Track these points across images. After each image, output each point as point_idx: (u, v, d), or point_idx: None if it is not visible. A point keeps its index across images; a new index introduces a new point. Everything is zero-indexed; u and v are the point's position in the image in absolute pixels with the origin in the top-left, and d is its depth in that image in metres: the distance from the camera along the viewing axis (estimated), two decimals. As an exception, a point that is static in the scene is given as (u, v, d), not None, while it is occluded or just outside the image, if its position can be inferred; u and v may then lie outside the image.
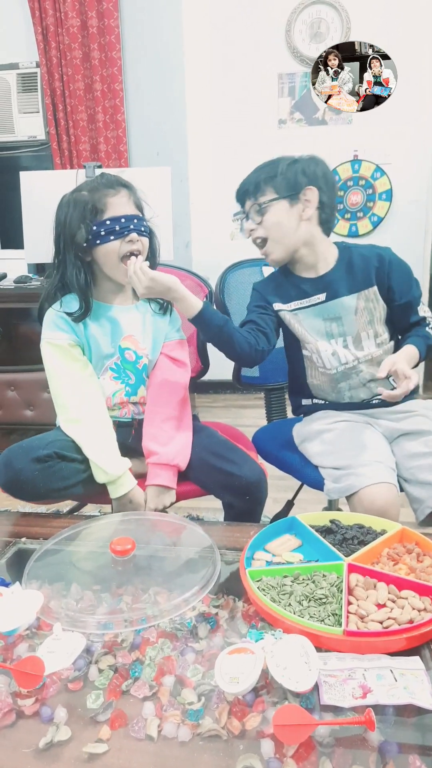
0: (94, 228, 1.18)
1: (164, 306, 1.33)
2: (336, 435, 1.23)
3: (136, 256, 1.19)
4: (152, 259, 1.28)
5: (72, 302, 1.24)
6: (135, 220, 1.20)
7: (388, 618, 0.74)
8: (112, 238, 1.18)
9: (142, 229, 1.21)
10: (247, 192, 1.26)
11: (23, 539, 1.03)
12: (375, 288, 1.26)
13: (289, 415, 1.64)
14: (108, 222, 1.18)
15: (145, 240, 1.23)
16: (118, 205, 1.19)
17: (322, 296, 1.27)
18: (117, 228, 1.18)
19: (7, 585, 0.86)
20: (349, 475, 1.11)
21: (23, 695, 0.67)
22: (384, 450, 1.19)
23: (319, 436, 1.26)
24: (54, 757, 0.60)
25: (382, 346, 1.28)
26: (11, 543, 1.02)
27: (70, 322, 1.22)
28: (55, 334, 1.23)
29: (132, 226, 1.19)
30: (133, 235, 1.19)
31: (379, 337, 1.28)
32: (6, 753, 0.61)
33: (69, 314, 1.22)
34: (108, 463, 1.16)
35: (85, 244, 1.19)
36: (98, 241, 1.18)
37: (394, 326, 1.31)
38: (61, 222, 1.22)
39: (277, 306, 1.31)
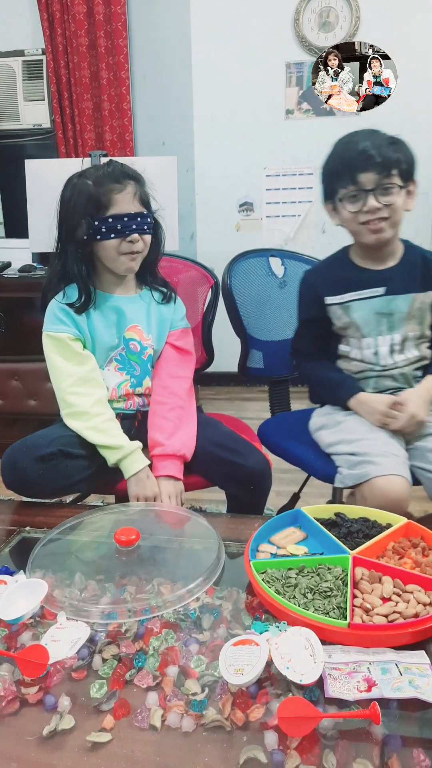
0: (96, 224, 1.15)
1: (167, 295, 1.32)
2: (354, 424, 1.22)
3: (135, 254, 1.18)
4: (156, 249, 1.27)
5: (74, 293, 1.23)
6: (138, 219, 1.17)
7: (393, 612, 0.73)
8: (112, 236, 1.16)
9: (145, 227, 1.19)
10: (374, 166, 1.14)
11: (27, 528, 1.03)
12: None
13: (293, 407, 1.64)
14: (110, 220, 1.15)
15: (147, 238, 1.21)
16: (122, 202, 1.16)
17: (381, 290, 1.25)
18: (119, 227, 1.16)
19: (11, 574, 0.86)
20: (365, 463, 1.11)
21: (27, 683, 0.67)
22: (401, 444, 1.19)
23: (338, 424, 1.25)
24: (57, 746, 0.60)
25: (421, 348, 1.28)
26: (16, 532, 1.02)
27: (72, 314, 1.21)
28: (56, 327, 1.21)
29: (134, 226, 1.17)
30: (134, 235, 1.17)
31: (422, 345, 1.28)
32: (10, 741, 0.61)
33: (70, 305, 1.21)
34: (117, 440, 1.15)
35: (85, 238, 1.17)
36: (98, 237, 1.16)
37: None
38: (64, 207, 1.20)
39: (328, 300, 1.28)
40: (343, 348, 1.31)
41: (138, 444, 1.17)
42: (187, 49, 2.98)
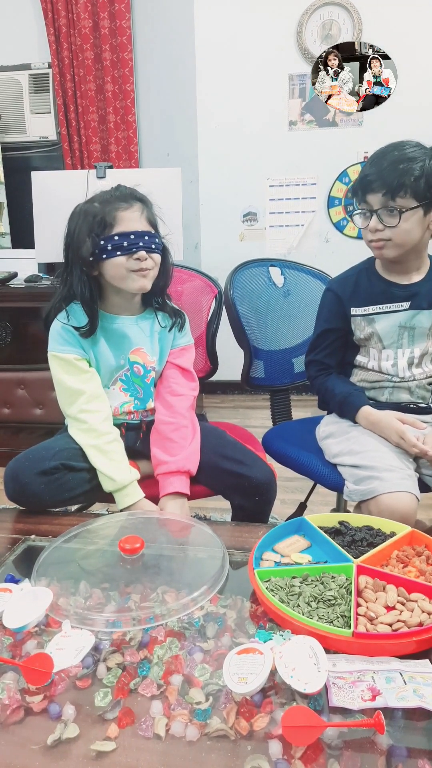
0: (102, 242, 1.14)
1: (177, 323, 1.30)
2: (362, 435, 1.22)
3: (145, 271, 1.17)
4: (165, 275, 1.26)
5: (78, 314, 1.22)
6: (146, 237, 1.15)
7: (398, 620, 0.73)
8: (118, 253, 1.14)
9: (153, 246, 1.17)
10: (379, 187, 1.12)
11: (32, 536, 1.04)
12: None
13: (295, 416, 1.64)
14: (116, 237, 1.14)
15: (156, 256, 1.19)
16: (129, 220, 1.15)
17: (406, 304, 1.24)
18: (125, 244, 1.14)
19: (16, 582, 0.86)
20: (372, 478, 1.10)
21: (32, 692, 0.67)
22: (408, 457, 1.18)
23: (346, 434, 1.25)
24: (62, 755, 0.60)
25: None
26: (21, 540, 1.03)
27: (77, 335, 1.21)
28: (62, 348, 1.21)
29: (141, 243, 1.14)
30: (142, 253, 1.15)
31: None
32: (14, 749, 0.61)
33: (76, 328, 1.20)
34: (115, 472, 1.15)
35: (91, 258, 1.16)
36: (104, 256, 1.15)
37: None
38: (70, 233, 1.19)
39: (354, 311, 1.28)
40: (360, 359, 1.31)
41: (134, 476, 1.16)
42: (191, 62, 3.02)
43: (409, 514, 1.05)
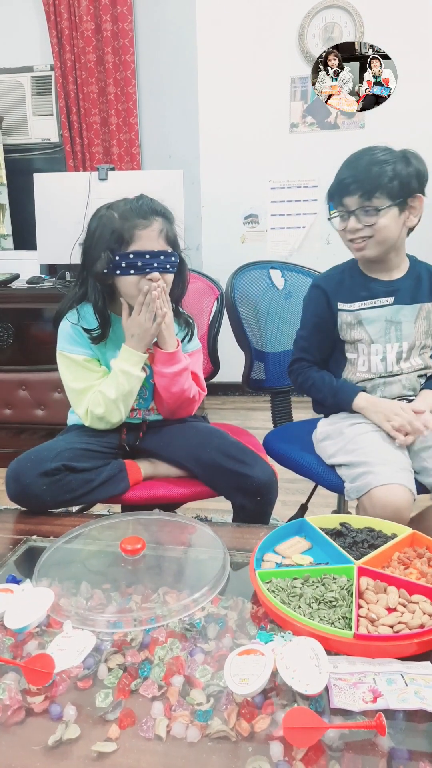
0: (116, 259, 1.14)
1: (186, 334, 1.32)
2: (357, 434, 1.22)
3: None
4: (181, 287, 1.27)
5: (88, 317, 1.23)
6: (161, 257, 1.15)
7: (399, 622, 0.73)
8: (132, 272, 1.14)
9: (168, 266, 1.17)
10: (356, 189, 1.18)
11: (34, 537, 1.04)
12: None
13: (295, 418, 1.64)
14: (131, 256, 1.14)
15: (169, 277, 1.20)
16: (146, 239, 1.15)
17: (390, 299, 1.29)
18: (139, 263, 1.14)
19: (18, 582, 0.86)
20: (366, 473, 1.11)
21: (33, 692, 0.67)
22: (403, 452, 1.19)
23: (341, 434, 1.26)
24: (63, 755, 0.60)
25: (424, 357, 1.31)
26: (22, 541, 1.03)
27: (87, 336, 1.22)
28: (72, 348, 1.22)
29: (156, 264, 1.15)
30: (155, 274, 1.15)
31: (425, 354, 1.31)
32: (15, 750, 0.61)
33: (86, 331, 1.21)
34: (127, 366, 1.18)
35: (105, 272, 1.16)
36: (118, 272, 1.15)
37: None
38: (89, 238, 1.19)
39: (340, 306, 1.31)
40: (350, 355, 1.32)
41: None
42: (193, 64, 3.03)
43: (402, 508, 1.05)
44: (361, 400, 1.26)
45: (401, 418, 1.19)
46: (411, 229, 1.28)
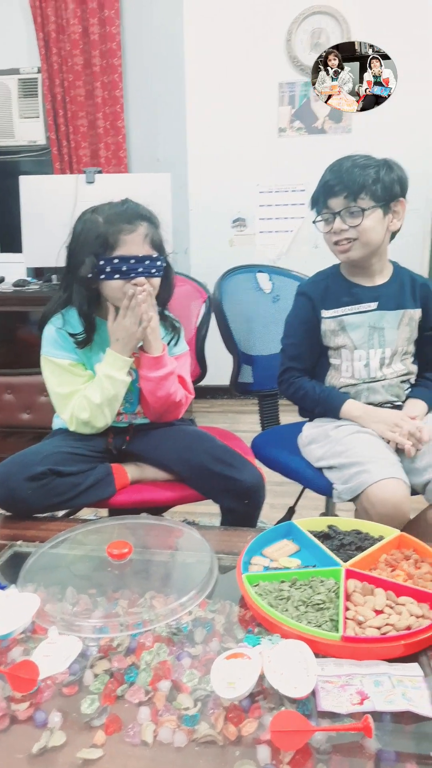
0: (101, 263, 1.13)
1: (172, 338, 1.31)
2: (343, 435, 1.23)
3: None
4: (167, 291, 1.27)
5: (73, 321, 1.22)
6: (147, 261, 1.15)
7: (386, 624, 0.73)
8: (116, 277, 1.14)
9: (153, 270, 1.16)
10: (341, 191, 1.20)
11: (19, 542, 1.03)
12: (420, 311, 1.31)
13: (282, 421, 1.64)
14: (116, 261, 1.13)
15: (156, 281, 1.19)
16: (131, 244, 1.14)
17: (373, 305, 1.29)
18: (124, 268, 1.13)
19: (2, 588, 0.85)
20: (359, 473, 1.11)
21: (17, 699, 0.66)
22: (391, 450, 1.19)
23: (327, 437, 1.26)
24: (48, 763, 0.59)
25: (406, 363, 1.32)
26: (7, 546, 1.02)
27: (72, 341, 1.21)
28: (57, 353, 1.21)
29: (141, 269, 1.14)
30: (140, 279, 1.14)
31: (407, 360, 1.32)
32: (-1, 758, 0.60)
33: (71, 335, 1.20)
34: (110, 371, 1.17)
35: (89, 276, 1.15)
36: (102, 277, 1.14)
37: (421, 357, 1.35)
38: (73, 241, 1.19)
39: (324, 313, 1.31)
40: (334, 361, 1.33)
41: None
42: (180, 68, 3.03)
43: (400, 502, 1.06)
44: (354, 409, 1.26)
45: (408, 424, 1.19)
46: (393, 235, 1.29)
